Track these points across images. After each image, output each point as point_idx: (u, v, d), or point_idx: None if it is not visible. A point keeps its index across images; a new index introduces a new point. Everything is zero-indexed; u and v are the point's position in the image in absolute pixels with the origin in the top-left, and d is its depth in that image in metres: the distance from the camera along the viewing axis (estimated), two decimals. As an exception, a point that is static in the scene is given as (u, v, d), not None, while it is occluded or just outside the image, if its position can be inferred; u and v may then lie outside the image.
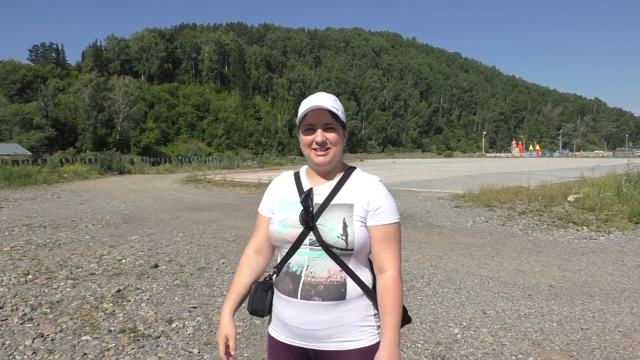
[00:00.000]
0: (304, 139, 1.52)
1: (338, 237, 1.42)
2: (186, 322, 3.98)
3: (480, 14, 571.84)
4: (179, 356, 3.35)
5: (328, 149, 1.49)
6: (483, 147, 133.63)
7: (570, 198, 11.10)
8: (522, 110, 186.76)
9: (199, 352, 3.41)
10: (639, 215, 8.75)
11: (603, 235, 7.84)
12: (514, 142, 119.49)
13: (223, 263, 6.12)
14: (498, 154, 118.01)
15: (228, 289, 1.66)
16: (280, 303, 1.52)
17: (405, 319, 1.55)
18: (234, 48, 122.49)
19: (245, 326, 3.91)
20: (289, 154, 77.90)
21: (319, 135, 1.48)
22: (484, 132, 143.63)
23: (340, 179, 1.53)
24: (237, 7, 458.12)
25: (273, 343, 1.58)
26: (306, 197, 1.47)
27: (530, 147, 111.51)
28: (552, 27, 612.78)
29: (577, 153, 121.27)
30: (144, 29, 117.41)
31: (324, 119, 1.48)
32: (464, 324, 3.96)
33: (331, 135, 1.49)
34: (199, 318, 4.09)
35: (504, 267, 5.91)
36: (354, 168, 1.59)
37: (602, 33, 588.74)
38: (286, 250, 1.51)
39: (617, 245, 7.19)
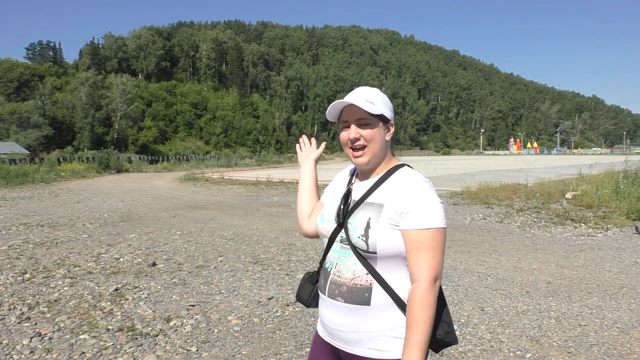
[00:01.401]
0: (341, 137, 1.46)
1: (359, 237, 1.37)
2: (184, 321, 3.98)
3: (478, 11, 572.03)
4: (177, 354, 3.35)
5: (364, 146, 1.42)
6: (481, 145, 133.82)
7: (568, 195, 11.13)
8: (520, 107, 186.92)
9: (197, 350, 3.41)
10: (637, 212, 8.78)
11: (601, 232, 7.86)
12: (512, 139, 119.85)
13: (221, 261, 6.12)
14: (496, 152, 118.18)
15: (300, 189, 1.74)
16: (320, 298, 1.54)
17: (448, 338, 1.38)
18: (231, 46, 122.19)
19: (244, 324, 3.91)
20: (286, 152, 77.83)
21: (352, 132, 1.42)
22: (482, 130, 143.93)
23: (382, 177, 1.45)
24: (235, 5, 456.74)
25: (315, 337, 1.60)
26: (346, 194, 1.48)
27: (528, 145, 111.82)
28: (550, 25, 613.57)
29: (574, 150, 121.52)
30: (142, 27, 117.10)
31: (357, 114, 1.41)
32: (462, 320, 3.96)
33: (366, 132, 1.41)
34: (197, 316, 4.08)
35: (502, 264, 5.92)
36: (402, 166, 1.48)
37: (600, 31, 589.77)
38: (325, 246, 1.52)
39: (615, 242, 7.20)
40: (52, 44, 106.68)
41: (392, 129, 1.48)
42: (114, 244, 7.23)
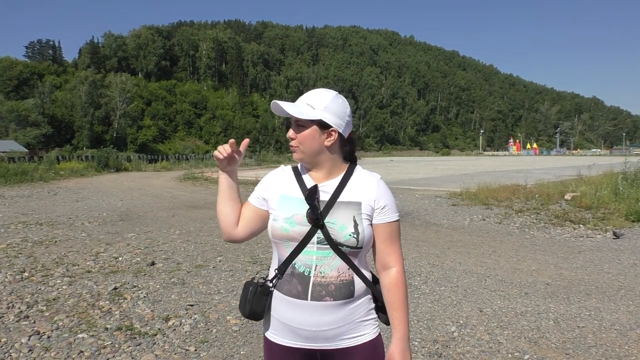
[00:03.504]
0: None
1: (350, 235, 1.41)
2: (183, 320, 3.97)
3: (477, 12, 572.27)
4: (175, 354, 3.34)
5: (296, 146, 1.49)
6: (480, 146, 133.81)
7: (567, 196, 11.13)
8: (519, 108, 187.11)
9: (195, 350, 3.41)
10: (636, 213, 8.79)
11: (600, 234, 7.87)
12: (511, 140, 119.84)
13: (220, 261, 6.11)
14: (495, 152, 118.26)
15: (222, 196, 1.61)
16: (285, 306, 1.46)
17: None
18: (231, 45, 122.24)
19: (242, 324, 3.91)
20: (286, 152, 77.82)
21: (290, 132, 1.49)
22: (482, 131, 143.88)
23: (344, 176, 1.51)
24: (235, 4, 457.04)
25: (274, 348, 1.52)
26: (312, 195, 1.43)
27: (528, 146, 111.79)
28: (549, 26, 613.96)
29: (574, 151, 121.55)
30: (141, 26, 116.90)
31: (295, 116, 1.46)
32: (461, 321, 3.96)
33: (299, 134, 1.47)
34: (195, 316, 4.08)
35: (501, 265, 5.93)
36: (355, 165, 1.57)
37: (599, 32, 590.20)
38: (290, 250, 1.45)
39: (614, 243, 7.21)
40: (51, 43, 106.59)
41: (334, 135, 1.47)
42: (112, 243, 7.23)
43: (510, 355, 3.31)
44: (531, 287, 4.97)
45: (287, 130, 1.53)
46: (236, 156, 1.57)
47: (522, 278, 5.31)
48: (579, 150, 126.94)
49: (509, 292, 4.78)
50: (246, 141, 1.57)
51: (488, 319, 4.02)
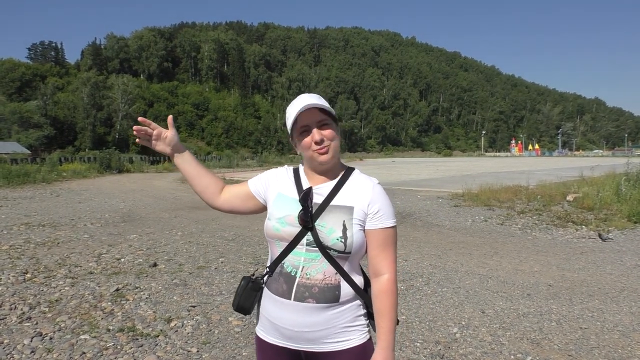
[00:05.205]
0: (303, 142, 1.46)
1: (337, 239, 1.40)
2: (185, 321, 3.98)
3: (479, 13, 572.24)
4: (177, 355, 3.35)
5: (327, 145, 1.45)
6: (482, 147, 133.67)
7: (570, 197, 11.11)
8: (521, 109, 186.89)
9: (197, 351, 3.41)
10: (638, 214, 8.76)
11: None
12: (513, 141, 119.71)
13: (222, 262, 6.12)
14: (497, 153, 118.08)
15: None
16: (272, 304, 1.49)
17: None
18: (233, 47, 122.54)
19: (244, 325, 3.91)
20: (288, 153, 77.91)
21: (316, 134, 1.44)
22: (484, 132, 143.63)
23: (340, 179, 1.50)
24: (237, 6, 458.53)
25: (262, 344, 1.55)
26: (305, 197, 1.44)
27: (530, 147, 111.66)
28: (551, 27, 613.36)
29: (576, 152, 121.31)
30: (144, 27, 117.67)
31: (317, 117, 1.44)
32: (463, 323, 3.96)
33: (327, 132, 1.45)
34: (197, 317, 4.08)
35: (503, 266, 5.91)
36: (353, 169, 1.56)
37: (601, 33, 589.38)
38: (281, 250, 1.47)
39: (616, 244, 7.19)
40: (54, 44, 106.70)
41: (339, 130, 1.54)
42: (115, 244, 7.24)
43: (512, 357, 3.31)
44: (533, 288, 4.96)
45: (290, 134, 1.53)
46: (168, 134, 1.62)
47: (524, 279, 5.30)
48: (581, 151, 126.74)
49: (511, 294, 4.77)
50: (170, 117, 1.64)
51: (490, 320, 4.01)
